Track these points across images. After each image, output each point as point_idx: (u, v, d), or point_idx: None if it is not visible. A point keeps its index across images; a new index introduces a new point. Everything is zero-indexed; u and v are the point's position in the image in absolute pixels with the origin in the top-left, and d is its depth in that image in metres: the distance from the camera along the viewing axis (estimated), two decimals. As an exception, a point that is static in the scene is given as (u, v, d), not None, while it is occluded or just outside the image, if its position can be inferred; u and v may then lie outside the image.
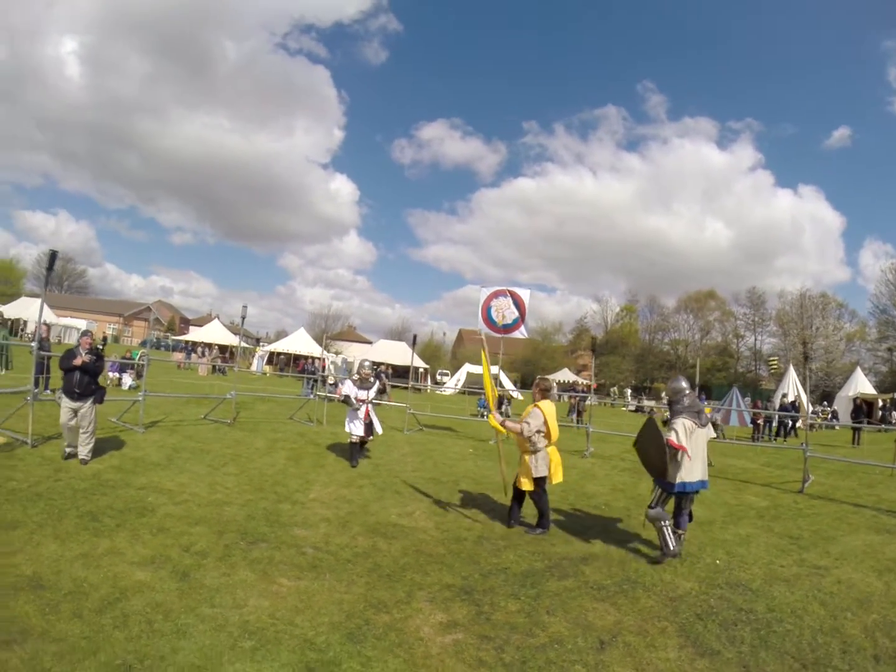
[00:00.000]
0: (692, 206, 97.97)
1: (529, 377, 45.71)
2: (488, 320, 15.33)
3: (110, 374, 19.64)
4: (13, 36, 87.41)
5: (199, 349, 39.39)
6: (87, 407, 7.83)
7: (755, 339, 65.41)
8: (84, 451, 7.82)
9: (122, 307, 73.72)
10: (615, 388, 48.79)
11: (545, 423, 6.50)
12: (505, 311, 15.11)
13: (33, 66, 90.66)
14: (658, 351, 69.19)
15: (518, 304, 15.04)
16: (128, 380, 19.78)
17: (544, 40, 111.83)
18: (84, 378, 7.82)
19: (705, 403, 31.55)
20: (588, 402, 25.34)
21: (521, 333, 15.30)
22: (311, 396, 19.72)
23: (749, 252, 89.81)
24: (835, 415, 27.85)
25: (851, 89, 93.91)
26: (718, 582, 5.29)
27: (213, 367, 31.86)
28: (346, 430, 9.82)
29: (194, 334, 46.58)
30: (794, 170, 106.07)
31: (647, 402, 38.65)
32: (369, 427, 9.87)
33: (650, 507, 5.99)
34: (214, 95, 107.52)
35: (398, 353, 41.99)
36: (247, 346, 50.22)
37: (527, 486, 6.54)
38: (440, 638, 3.94)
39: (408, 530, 6.33)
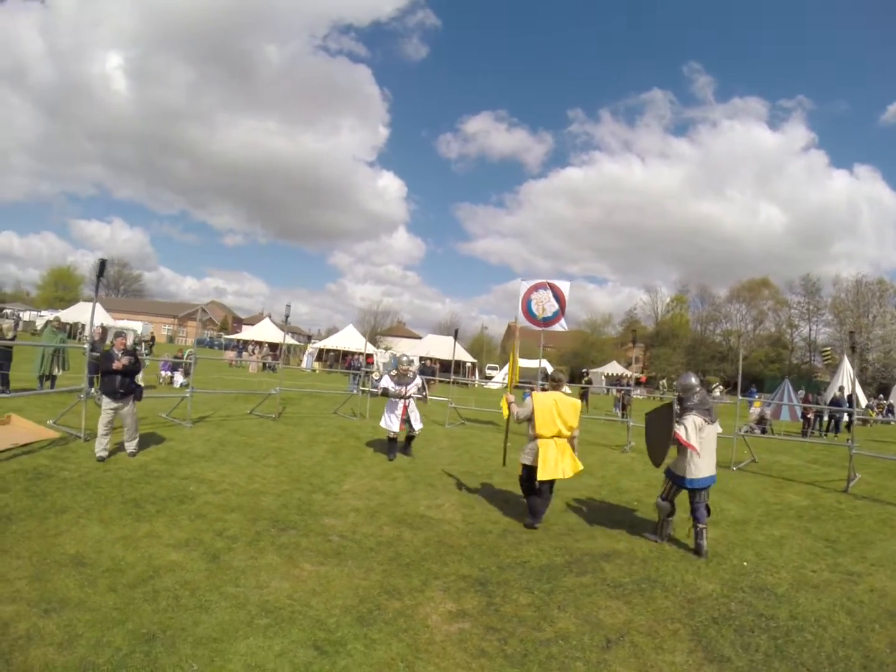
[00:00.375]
0: (744, 190, 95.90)
1: (579, 370, 45.19)
2: (528, 313, 15.37)
3: (162, 372, 20.56)
4: (62, 56, 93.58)
5: (250, 347, 40.23)
6: (129, 406, 8.18)
7: (810, 329, 63.08)
8: (132, 445, 8.24)
9: (175, 308, 76.47)
10: (664, 380, 47.72)
11: (532, 412, 6.50)
12: (545, 303, 15.08)
13: (82, 82, 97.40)
14: (710, 342, 67.18)
15: (558, 296, 14.98)
16: (179, 378, 20.19)
17: (585, 27, 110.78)
18: (125, 379, 8.12)
19: (756, 397, 30.91)
20: (633, 396, 25.34)
21: (560, 326, 15.23)
22: (355, 391, 20.10)
23: (804, 237, 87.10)
24: (891, 409, 26.60)
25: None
26: (742, 585, 5.16)
27: (263, 364, 32.77)
28: (383, 425, 9.88)
29: (245, 333, 47.67)
30: (849, 149, 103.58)
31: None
32: (407, 423, 9.84)
33: (661, 497, 6.31)
34: (259, 99, 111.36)
35: (445, 348, 42.00)
36: (296, 343, 51.14)
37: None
38: (446, 626, 4.06)
39: (434, 522, 6.50)
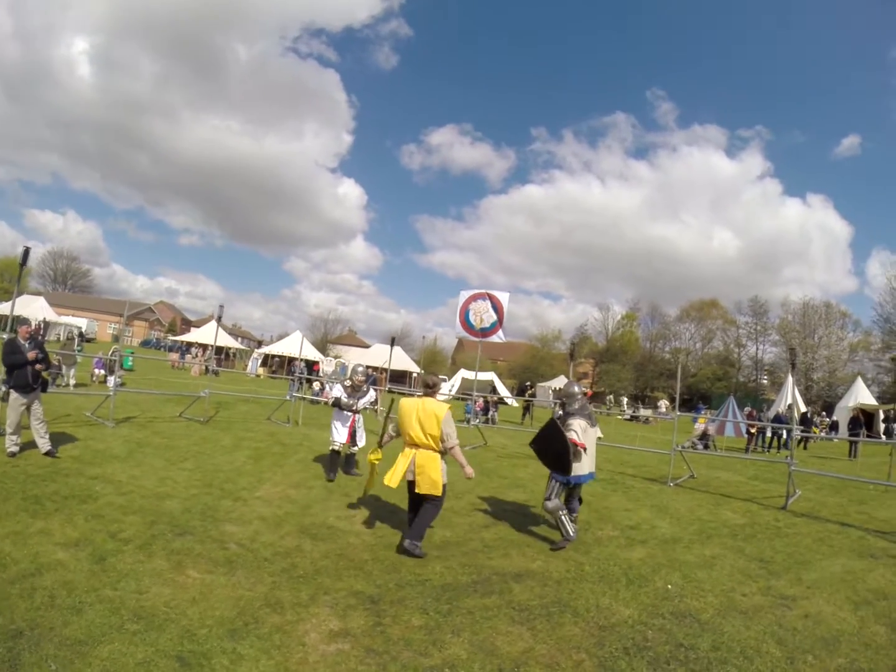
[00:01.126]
0: (700, 214, 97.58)
1: (523, 384, 45.07)
2: (466, 324, 15.05)
3: (95, 370, 20.30)
4: (28, 36, 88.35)
5: (193, 350, 38.99)
6: (37, 400, 7.83)
7: (757, 349, 64.74)
8: (46, 443, 7.82)
9: (122, 307, 71.47)
10: (611, 395, 47.92)
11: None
12: (483, 314, 14.72)
13: (45, 65, 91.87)
14: (659, 359, 68.13)
15: (496, 307, 14.62)
16: (112, 378, 19.23)
17: (554, 47, 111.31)
18: (35, 371, 7.75)
19: (702, 412, 31.09)
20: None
21: (498, 338, 14.87)
22: (290, 398, 19.45)
23: (757, 262, 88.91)
24: (834, 426, 26.70)
25: (861, 98, 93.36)
26: (663, 611, 4.67)
27: (206, 367, 31.48)
28: (331, 438, 9.02)
29: (191, 335, 46.24)
30: (802, 178, 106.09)
31: (643, 411, 37.89)
32: (353, 437, 9.05)
33: (547, 499, 6.45)
34: (224, 98, 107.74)
35: (393, 358, 41.52)
36: (243, 347, 49.87)
37: None
38: (324, 646, 3.73)
39: (340, 533, 6.17)
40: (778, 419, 21.27)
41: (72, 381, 17.66)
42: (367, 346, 56.47)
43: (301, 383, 24.73)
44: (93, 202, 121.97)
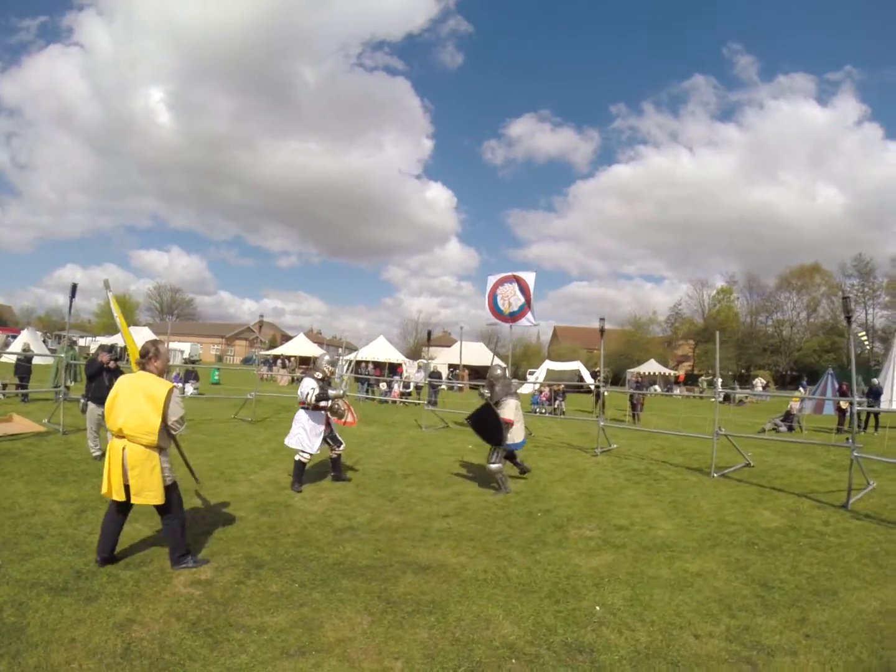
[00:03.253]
0: (799, 172, 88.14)
1: (623, 371, 42.44)
2: (494, 309, 13.80)
3: (175, 384, 20.00)
4: (105, 96, 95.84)
5: (279, 362, 39.59)
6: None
7: (866, 314, 56.17)
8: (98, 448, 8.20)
9: (225, 329, 76.95)
10: (703, 378, 43.99)
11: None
12: (511, 297, 13.36)
13: (127, 119, 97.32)
14: (761, 334, 61.71)
15: (523, 289, 13.19)
16: (189, 389, 21.17)
17: (616, 17, 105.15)
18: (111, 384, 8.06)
19: (803, 389, 27.61)
20: (648, 394, 22.86)
21: (528, 321, 13.42)
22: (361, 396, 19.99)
23: (866, 218, 78.80)
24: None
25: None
26: (555, 639, 3.52)
27: (292, 377, 33.29)
28: (293, 444, 7.45)
29: (279, 349, 47.21)
30: None
31: (740, 392, 34.39)
32: (332, 440, 7.80)
33: (491, 463, 7.60)
34: (300, 121, 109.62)
35: (476, 354, 40.68)
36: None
37: None
38: (182, 588, 4.36)
39: (292, 511, 6.36)
40: (873, 392, 17.74)
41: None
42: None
43: (368, 384, 24.85)
44: (193, 237, 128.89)
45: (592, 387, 21.27)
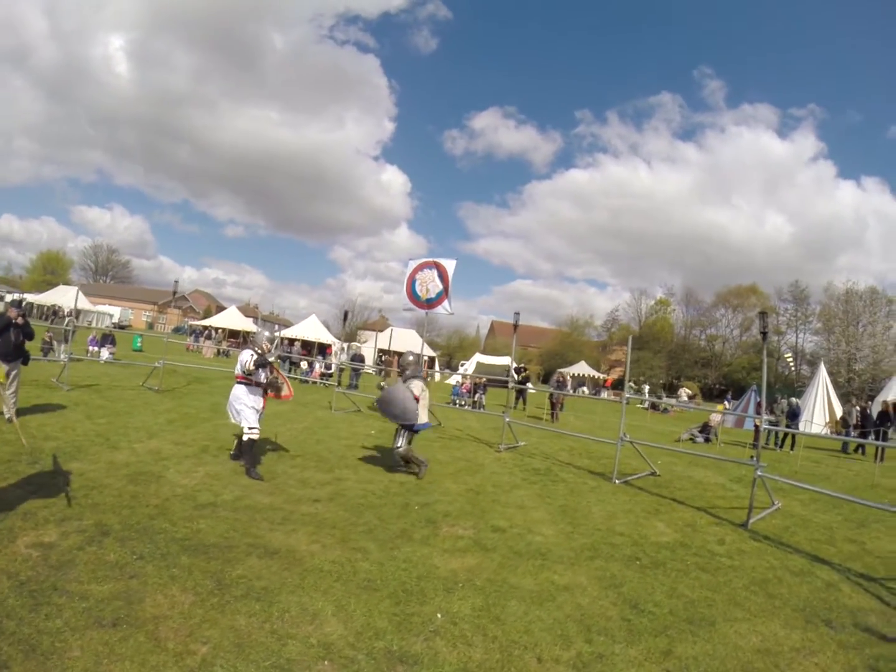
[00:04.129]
0: (751, 198, 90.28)
1: (555, 371, 42.42)
2: (412, 295, 13.22)
3: (90, 347, 21.21)
4: (65, 38, 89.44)
5: (206, 332, 38.02)
6: (17, 369, 8.42)
7: (797, 337, 59.09)
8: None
9: (158, 296, 72.10)
10: (631, 383, 44.45)
11: None
12: (429, 284, 12.84)
13: (84, 65, 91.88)
14: (694, 347, 63.29)
15: (442, 275, 12.60)
16: (105, 353, 20.10)
17: (596, 25, 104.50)
18: (17, 344, 8.30)
19: (727, 403, 27.90)
20: (567, 394, 22.59)
21: (444, 309, 12.86)
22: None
23: (811, 248, 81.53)
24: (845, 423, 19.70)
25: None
26: (377, 646, 3.19)
27: (218, 350, 33.04)
28: (243, 422, 6.85)
29: (210, 320, 45.41)
30: (857, 160, 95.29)
31: (667, 400, 34.70)
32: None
33: (398, 447, 7.69)
34: (263, 88, 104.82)
35: (408, 341, 40.09)
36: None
37: None
38: (24, 548, 3.86)
39: (160, 481, 6.09)
40: (791, 412, 17.57)
41: (63, 356, 17.36)
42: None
43: (290, 362, 23.96)
44: (138, 197, 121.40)
45: (511, 383, 20.77)
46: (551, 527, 5.79)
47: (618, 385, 48.33)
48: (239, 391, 6.95)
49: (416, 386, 7.90)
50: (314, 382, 22.18)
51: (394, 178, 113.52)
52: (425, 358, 38.85)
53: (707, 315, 65.10)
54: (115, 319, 47.41)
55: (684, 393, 33.05)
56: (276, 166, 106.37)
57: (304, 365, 24.20)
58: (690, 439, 16.00)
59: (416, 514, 5.77)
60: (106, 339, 21.23)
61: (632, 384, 42.74)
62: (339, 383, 21.81)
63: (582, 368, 41.92)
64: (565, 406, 20.12)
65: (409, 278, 13.17)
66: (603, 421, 17.92)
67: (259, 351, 7.10)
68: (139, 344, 28.15)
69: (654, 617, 3.82)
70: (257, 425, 6.86)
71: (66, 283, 49.52)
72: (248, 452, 6.72)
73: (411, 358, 8.50)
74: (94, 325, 38.15)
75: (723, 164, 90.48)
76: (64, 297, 39.50)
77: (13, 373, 8.18)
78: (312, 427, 10.83)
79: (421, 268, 13.05)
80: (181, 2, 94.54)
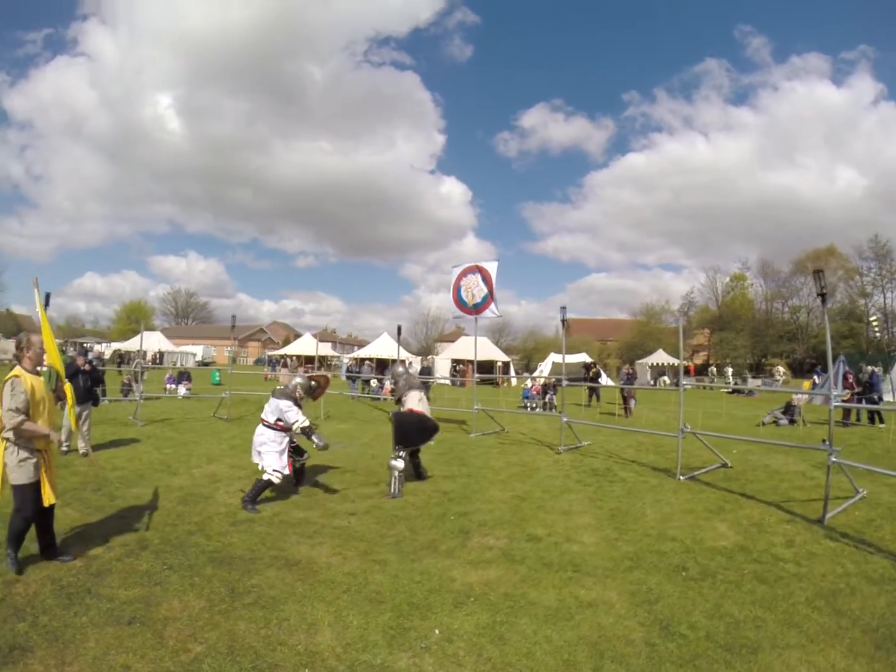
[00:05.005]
0: (817, 154, 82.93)
1: (624, 364, 40.78)
2: (459, 301, 12.96)
3: (168, 385, 22.18)
4: (113, 104, 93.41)
5: (282, 361, 39.06)
6: (87, 410, 8.80)
7: (884, 297, 52.89)
8: (85, 445, 8.34)
9: (237, 331, 73.70)
10: (713, 368, 41.87)
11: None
12: (474, 289, 12.59)
13: (136, 126, 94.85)
14: (778, 321, 58.48)
15: (486, 279, 12.28)
16: (182, 390, 21.01)
17: (624, 3, 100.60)
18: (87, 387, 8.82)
19: (818, 377, 25.70)
20: (636, 387, 21.43)
21: (491, 312, 12.51)
22: (352, 395, 20.98)
23: (887, 199, 72.42)
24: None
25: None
26: (361, 659, 3.11)
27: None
28: (267, 466, 6.42)
29: (286, 349, 46.59)
30: None
31: (752, 383, 32.56)
32: (294, 454, 6.87)
33: (398, 459, 6.92)
34: (310, 121, 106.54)
35: (481, 348, 39.80)
36: (337, 354, 50.36)
37: None
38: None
39: (204, 500, 6.48)
40: (871, 383, 15.70)
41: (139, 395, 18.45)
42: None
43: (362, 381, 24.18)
44: (210, 241, 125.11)
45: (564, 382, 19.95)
46: (594, 534, 5.36)
47: (702, 371, 46.11)
48: (266, 432, 6.54)
49: (412, 399, 7.67)
50: (385, 399, 22.12)
51: (453, 189, 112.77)
52: (499, 364, 38.67)
53: (787, 285, 60.11)
54: (199, 357, 50.05)
55: (778, 372, 30.85)
56: (335, 194, 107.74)
57: (373, 383, 24.29)
58: (774, 422, 14.80)
59: (449, 525, 5.55)
60: (182, 376, 22.34)
61: (713, 369, 40.66)
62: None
63: (660, 357, 39.96)
64: (638, 399, 19.09)
65: (455, 285, 12.95)
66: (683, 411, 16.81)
67: (300, 394, 6.79)
68: (218, 378, 29.12)
69: (685, 642, 3.29)
70: (282, 470, 6.39)
71: (150, 328, 52.08)
72: (257, 489, 6.23)
73: (400, 370, 8.32)
74: (178, 364, 39.72)
75: (781, 123, 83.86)
76: (147, 341, 41.19)
77: (84, 413, 8.61)
78: (371, 443, 10.75)
79: (465, 273, 12.79)
80: (217, 54, 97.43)
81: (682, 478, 7.75)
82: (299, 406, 6.70)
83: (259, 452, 6.57)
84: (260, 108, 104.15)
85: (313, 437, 6.41)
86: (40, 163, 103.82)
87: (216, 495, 6.51)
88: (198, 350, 51.43)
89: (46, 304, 10.20)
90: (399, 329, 16.13)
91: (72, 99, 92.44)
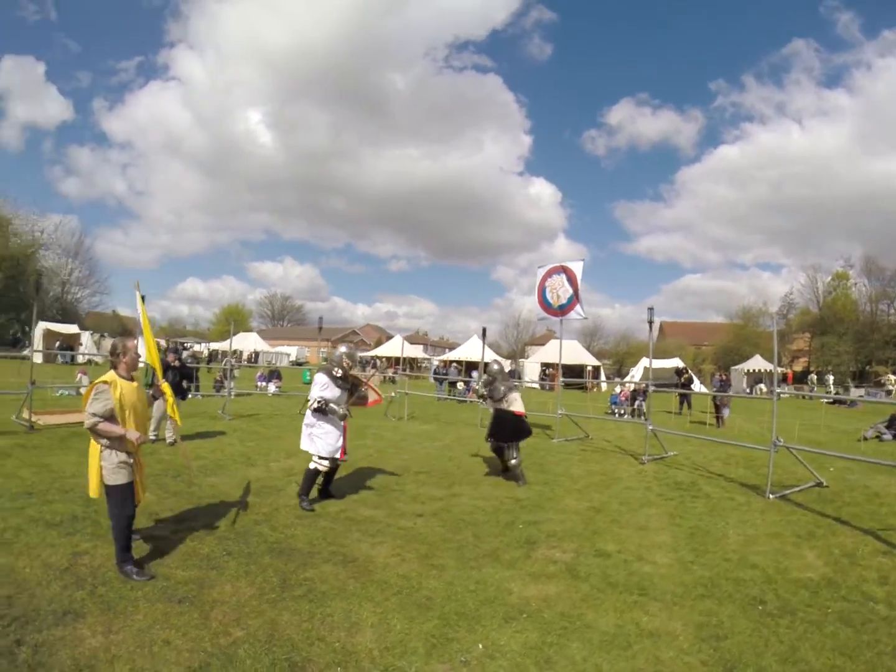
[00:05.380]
0: None
1: (718, 370, 38.67)
2: (544, 303, 12.56)
3: (259, 382, 23.03)
4: (207, 122, 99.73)
5: (372, 362, 39.90)
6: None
7: None
8: (172, 434, 8.97)
9: (331, 333, 76.70)
10: (812, 374, 38.67)
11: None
12: (559, 290, 12.14)
13: (230, 142, 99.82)
14: (883, 324, 52.75)
15: (570, 279, 11.86)
16: (272, 387, 21.81)
17: None
18: (175, 383, 9.18)
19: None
20: (730, 395, 19.90)
21: (577, 314, 12.01)
22: (439, 397, 21.18)
23: None
24: None
25: None
26: (393, 665, 3.06)
27: (384, 377, 33.10)
28: (314, 450, 6.13)
29: (376, 350, 47.48)
30: None
31: (854, 392, 29.95)
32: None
33: (515, 459, 7.46)
34: (397, 128, 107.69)
35: (570, 352, 38.91)
36: (427, 356, 51.08)
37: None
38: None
39: (274, 491, 6.90)
40: None
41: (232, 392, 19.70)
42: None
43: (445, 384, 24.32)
44: (305, 247, 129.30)
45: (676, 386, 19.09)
46: (669, 554, 5.01)
47: (801, 378, 43.02)
48: (314, 417, 6.13)
49: (518, 401, 7.73)
50: (471, 402, 22.08)
51: (542, 190, 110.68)
52: (589, 368, 37.64)
53: (893, 284, 54.39)
54: (293, 358, 52.25)
55: (889, 381, 28.38)
56: (425, 199, 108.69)
57: (460, 385, 24.27)
58: (877, 437, 13.52)
59: (516, 534, 5.40)
60: (272, 374, 23.21)
61: (812, 377, 37.80)
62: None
63: (757, 363, 37.36)
64: (732, 408, 18.06)
65: (540, 286, 12.61)
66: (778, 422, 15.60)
67: (339, 373, 6.21)
68: (308, 377, 29.73)
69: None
70: (328, 456, 6.09)
71: (246, 330, 55.79)
72: (307, 480, 6.06)
73: (496, 367, 8.05)
74: (272, 363, 41.44)
75: (880, 103, 75.64)
76: (244, 342, 44.48)
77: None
78: (451, 445, 10.76)
79: (549, 274, 12.42)
80: (300, 69, 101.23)
81: (771, 496, 7.16)
82: (344, 380, 6.22)
83: (309, 436, 6.17)
84: (346, 119, 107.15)
85: (329, 412, 6.04)
86: (141, 179, 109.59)
87: (288, 488, 6.70)
88: (292, 350, 53.70)
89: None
90: (484, 331, 15.91)
91: (167, 120, 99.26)
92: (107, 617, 3.36)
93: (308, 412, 6.17)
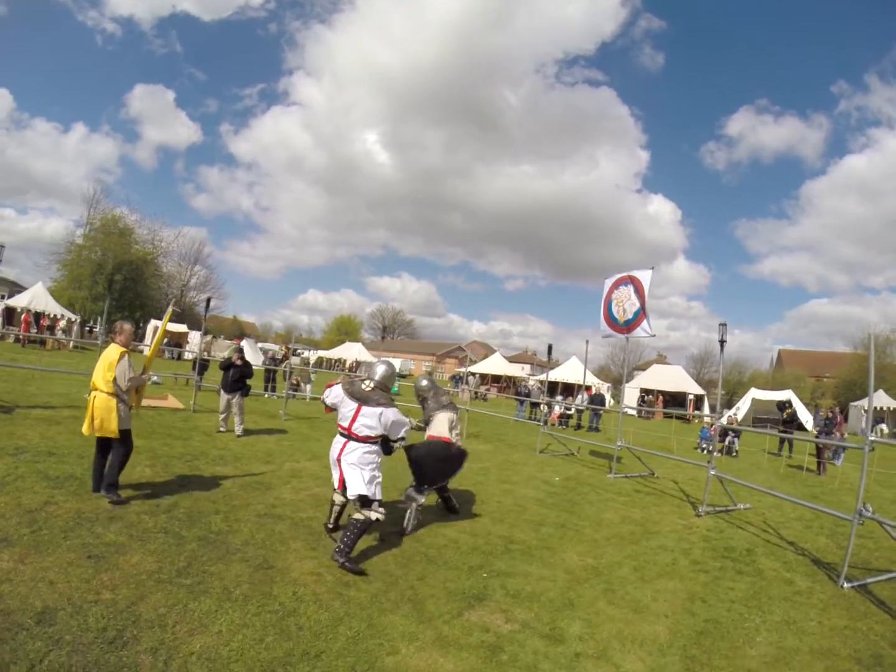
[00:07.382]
0: None
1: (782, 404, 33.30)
2: (609, 319, 10.88)
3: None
4: (326, 143, 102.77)
5: (465, 378, 38.89)
6: (236, 398, 9.94)
7: None
8: (240, 428, 9.85)
9: (438, 348, 77.54)
10: None
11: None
12: (625, 303, 10.45)
13: (348, 161, 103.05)
14: None
15: (638, 290, 10.15)
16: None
17: None
18: (236, 378, 10.09)
19: None
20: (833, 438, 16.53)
21: (643, 330, 10.09)
22: (517, 418, 20.01)
23: None
24: None
25: None
26: None
27: (475, 393, 33.39)
28: (377, 494, 4.74)
29: (474, 367, 46.32)
30: None
31: None
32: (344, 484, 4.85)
33: (421, 492, 5.73)
34: (511, 145, 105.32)
35: (672, 378, 35.77)
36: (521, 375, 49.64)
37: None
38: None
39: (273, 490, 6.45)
40: None
41: (308, 395, 19.46)
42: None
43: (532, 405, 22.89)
44: (422, 264, 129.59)
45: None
46: (649, 658, 3.50)
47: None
48: (371, 451, 4.78)
49: (440, 423, 6.24)
50: (553, 424, 20.22)
51: (661, 208, 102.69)
52: (691, 397, 34.29)
53: None
54: (397, 369, 51.68)
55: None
56: (542, 217, 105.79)
57: (544, 407, 22.90)
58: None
59: (471, 583, 4.36)
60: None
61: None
62: (580, 426, 19.97)
63: (880, 399, 31.13)
64: (842, 454, 15.19)
65: (606, 299, 11.01)
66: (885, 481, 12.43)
67: (368, 386, 4.97)
68: (397, 388, 29.15)
69: None
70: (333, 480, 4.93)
71: (356, 340, 57.10)
72: (357, 534, 4.47)
73: (425, 383, 6.78)
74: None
75: None
76: (349, 351, 46.09)
77: (234, 400, 9.86)
78: (490, 468, 9.54)
79: (616, 285, 10.80)
80: (413, 89, 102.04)
81: (846, 585, 5.25)
82: (353, 389, 4.97)
83: (373, 479, 4.69)
84: (460, 136, 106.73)
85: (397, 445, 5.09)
86: (267, 196, 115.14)
87: (280, 488, 6.56)
88: (396, 362, 54.05)
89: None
90: (586, 349, 14.00)
91: (289, 141, 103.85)
92: (28, 551, 3.75)
93: (367, 447, 4.76)
